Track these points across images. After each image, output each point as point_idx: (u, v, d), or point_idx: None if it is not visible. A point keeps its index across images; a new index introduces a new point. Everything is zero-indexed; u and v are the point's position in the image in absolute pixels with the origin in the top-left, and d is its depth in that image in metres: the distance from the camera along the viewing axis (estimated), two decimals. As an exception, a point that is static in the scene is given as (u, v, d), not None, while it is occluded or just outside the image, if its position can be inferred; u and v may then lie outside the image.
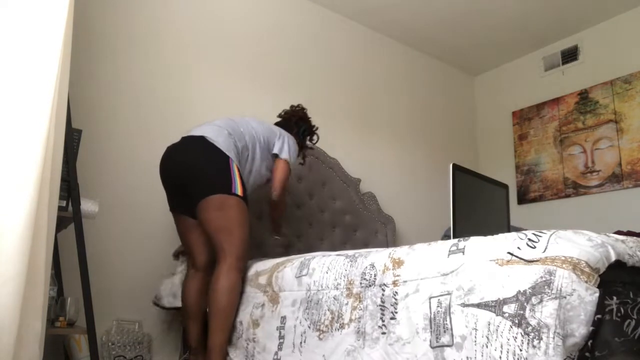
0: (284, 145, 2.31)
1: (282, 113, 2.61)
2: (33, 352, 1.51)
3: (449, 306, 1.24)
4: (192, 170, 2.02)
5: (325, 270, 1.71)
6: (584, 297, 1.04)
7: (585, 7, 3.54)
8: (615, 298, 1.10)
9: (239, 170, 2.04)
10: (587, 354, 1.04)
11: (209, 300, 1.95)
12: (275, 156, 2.30)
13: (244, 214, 2.02)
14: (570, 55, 3.87)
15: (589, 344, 1.04)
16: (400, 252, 1.50)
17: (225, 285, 1.91)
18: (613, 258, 1.11)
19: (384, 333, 1.41)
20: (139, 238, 2.51)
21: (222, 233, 1.96)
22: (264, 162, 2.26)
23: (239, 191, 2.00)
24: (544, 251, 1.13)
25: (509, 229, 1.93)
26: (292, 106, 2.61)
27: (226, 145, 2.06)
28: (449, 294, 1.26)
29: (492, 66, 4.41)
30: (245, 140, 2.18)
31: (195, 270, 2.17)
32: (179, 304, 2.24)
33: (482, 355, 1.13)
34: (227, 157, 2.02)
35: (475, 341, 1.15)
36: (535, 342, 1.04)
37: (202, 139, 2.05)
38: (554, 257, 1.10)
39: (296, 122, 2.54)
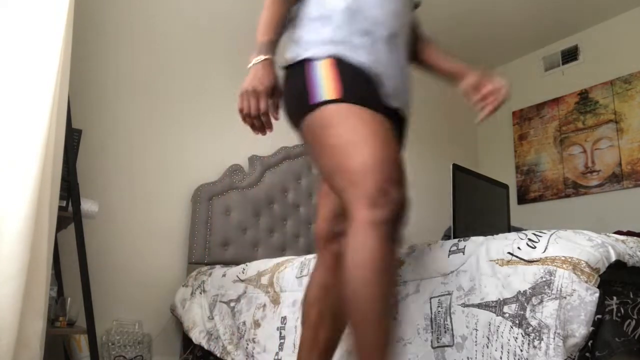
0: None
1: None
2: (33, 352, 1.51)
3: (450, 306, 1.24)
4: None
5: (325, 270, 1.71)
6: (584, 297, 1.04)
7: (585, 7, 3.54)
8: (615, 298, 1.10)
9: (335, 62, 1.21)
10: (587, 354, 1.04)
11: (342, 286, 1.11)
12: None
13: (360, 123, 1.14)
14: (570, 55, 3.87)
15: (589, 344, 1.04)
16: (400, 252, 1.50)
17: (358, 259, 1.05)
18: (613, 258, 1.11)
19: (384, 333, 1.40)
20: (139, 238, 2.51)
21: (335, 174, 1.14)
22: None
23: (331, 93, 1.17)
24: (544, 251, 1.13)
25: (509, 229, 1.93)
26: None
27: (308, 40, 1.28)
28: (449, 294, 1.26)
29: (492, 66, 4.41)
30: None
31: (321, 255, 1.37)
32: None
33: (482, 356, 1.13)
34: (302, 63, 1.25)
35: (476, 341, 1.15)
36: (536, 342, 1.04)
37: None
38: (554, 257, 1.10)
39: None
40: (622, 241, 1.18)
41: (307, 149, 1.26)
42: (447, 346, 1.22)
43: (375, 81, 1.23)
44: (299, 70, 1.23)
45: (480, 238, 1.32)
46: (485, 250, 1.26)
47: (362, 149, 1.09)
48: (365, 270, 1.02)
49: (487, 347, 1.13)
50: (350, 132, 1.12)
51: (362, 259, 1.02)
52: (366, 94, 1.20)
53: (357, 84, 1.20)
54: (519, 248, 1.19)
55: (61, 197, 1.81)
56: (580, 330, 1.03)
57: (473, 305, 1.19)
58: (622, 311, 1.11)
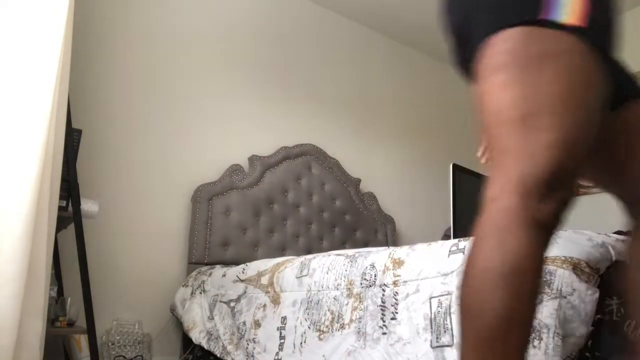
0: None
1: None
2: (33, 352, 1.51)
3: (450, 306, 1.24)
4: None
5: (325, 270, 1.71)
6: (584, 297, 1.04)
7: (585, 7, 3.54)
8: (615, 298, 1.10)
9: None
10: (587, 354, 1.04)
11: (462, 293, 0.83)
12: None
13: (580, 82, 0.79)
14: (570, 55, 3.87)
15: (589, 343, 1.04)
16: (400, 252, 1.50)
17: (481, 260, 0.77)
18: (613, 258, 1.11)
19: (384, 333, 1.40)
20: (139, 238, 2.51)
21: (507, 129, 0.81)
22: None
23: (575, 16, 0.80)
24: (544, 251, 1.13)
25: (509, 229, 1.92)
26: None
27: None
28: (449, 294, 1.26)
29: (492, 66, 4.41)
30: None
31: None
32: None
33: (482, 355, 1.13)
34: None
35: (476, 341, 1.15)
36: (536, 342, 1.04)
37: None
38: (554, 257, 1.10)
39: None
40: (622, 241, 1.18)
41: (477, 78, 0.90)
42: (446, 346, 1.22)
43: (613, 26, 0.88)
44: None
45: (480, 238, 1.32)
46: (485, 250, 1.26)
47: (563, 117, 0.77)
48: (502, 281, 0.72)
49: (487, 347, 1.13)
50: (558, 86, 0.77)
51: (502, 264, 0.73)
52: (609, 39, 0.86)
53: (606, 20, 0.86)
54: (518, 248, 1.18)
55: (61, 197, 1.81)
56: (580, 329, 1.03)
57: (473, 305, 1.19)
58: (622, 311, 1.11)
